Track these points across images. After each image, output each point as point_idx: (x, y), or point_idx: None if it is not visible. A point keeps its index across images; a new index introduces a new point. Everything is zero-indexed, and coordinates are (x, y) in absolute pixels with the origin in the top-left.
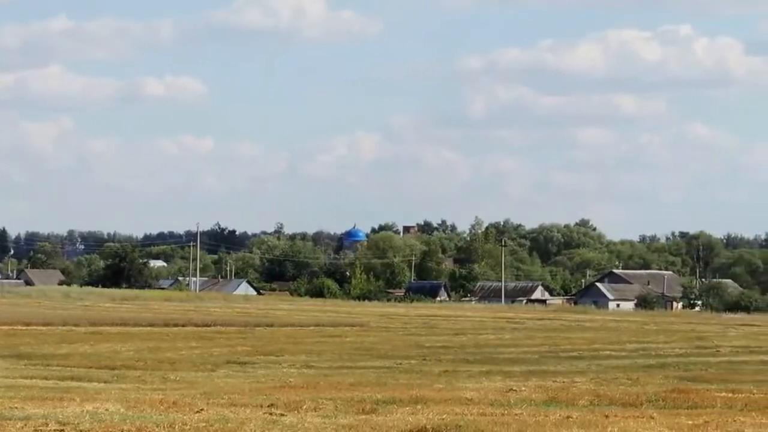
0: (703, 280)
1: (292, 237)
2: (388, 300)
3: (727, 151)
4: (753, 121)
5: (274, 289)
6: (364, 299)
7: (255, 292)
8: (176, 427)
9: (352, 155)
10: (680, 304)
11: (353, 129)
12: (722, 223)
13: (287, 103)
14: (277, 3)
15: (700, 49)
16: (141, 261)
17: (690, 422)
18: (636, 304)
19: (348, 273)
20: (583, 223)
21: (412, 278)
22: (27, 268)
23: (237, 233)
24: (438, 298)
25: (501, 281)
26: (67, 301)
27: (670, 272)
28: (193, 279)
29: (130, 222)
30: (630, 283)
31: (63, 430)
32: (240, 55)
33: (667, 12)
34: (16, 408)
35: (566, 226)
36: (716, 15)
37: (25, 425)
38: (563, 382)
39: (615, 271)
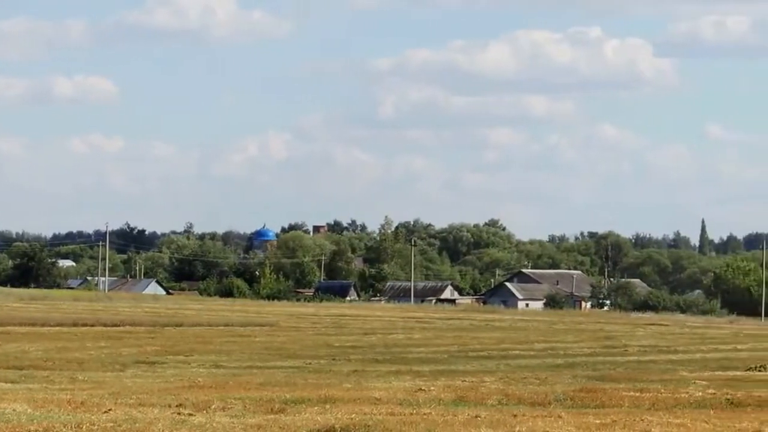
0: (612, 279)
1: (202, 237)
2: (298, 300)
3: (636, 151)
4: (661, 122)
5: (183, 289)
6: (273, 299)
7: (164, 292)
8: (84, 427)
9: (262, 155)
10: (589, 304)
11: (264, 129)
12: (631, 223)
13: (198, 102)
14: (187, 3)
15: (610, 51)
16: (50, 260)
17: (598, 421)
18: (545, 304)
19: (258, 273)
20: (493, 223)
21: (322, 278)
22: None
23: (146, 233)
24: (348, 298)
25: (410, 281)
26: None
27: (579, 272)
28: (102, 279)
29: (39, 221)
30: (539, 282)
31: None
32: (151, 54)
33: (577, 14)
34: None
35: (476, 226)
36: (626, 17)
37: None
38: (472, 381)
39: (524, 270)
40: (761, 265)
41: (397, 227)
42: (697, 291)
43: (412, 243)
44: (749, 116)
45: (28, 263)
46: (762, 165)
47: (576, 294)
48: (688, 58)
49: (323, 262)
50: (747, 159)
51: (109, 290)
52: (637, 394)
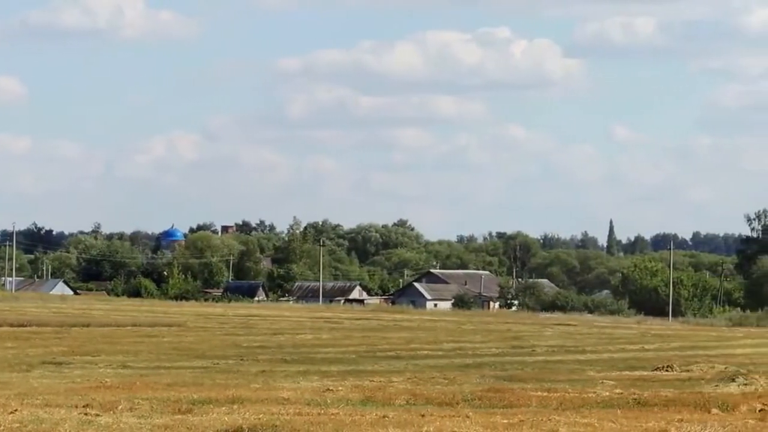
0: (520, 279)
1: (110, 237)
2: (206, 300)
3: (544, 152)
4: (569, 123)
5: (91, 289)
6: (181, 299)
7: (72, 292)
8: None
9: (170, 155)
10: (497, 304)
11: (172, 129)
12: (539, 223)
13: (106, 102)
14: (95, 3)
15: (518, 52)
16: None
17: (505, 421)
18: (453, 304)
19: (166, 273)
20: (401, 224)
21: (230, 278)
22: None
23: (54, 233)
24: (256, 298)
25: (319, 281)
26: None
27: (487, 272)
28: (9, 279)
29: None
30: (447, 283)
31: None
32: (58, 54)
33: (485, 14)
34: None
35: (384, 227)
36: (534, 18)
37: None
38: (380, 381)
39: (433, 271)
40: (668, 266)
41: (305, 228)
42: (605, 291)
43: (321, 243)
44: (657, 117)
45: None
46: (669, 166)
47: (484, 294)
48: (596, 59)
49: (231, 263)
50: (654, 160)
51: (15, 290)
52: (545, 394)
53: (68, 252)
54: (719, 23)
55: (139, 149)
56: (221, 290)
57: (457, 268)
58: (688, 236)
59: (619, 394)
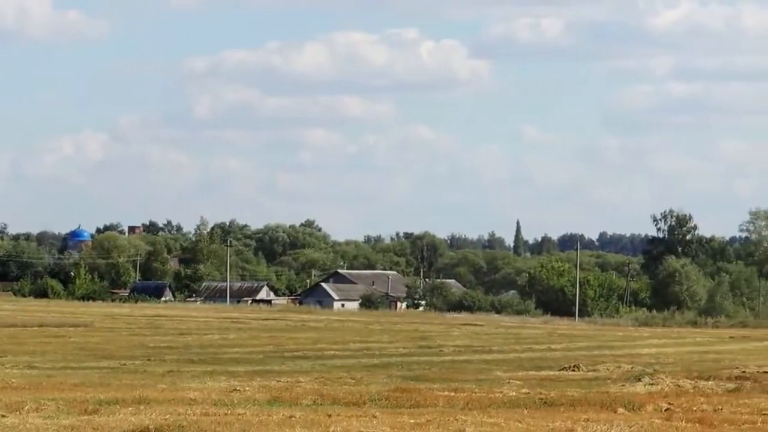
0: (427, 280)
1: (16, 237)
2: (113, 300)
3: (451, 152)
4: (477, 123)
5: None
6: (88, 299)
7: None
8: None
9: (77, 155)
10: (404, 304)
11: (79, 129)
12: (446, 223)
13: (12, 102)
14: (1, 3)
15: (425, 53)
16: None
17: (412, 421)
18: (360, 304)
19: (73, 273)
20: (309, 224)
21: (137, 278)
22: None
23: None
24: (163, 298)
25: (226, 281)
26: None
27: (395, 272)
28: None
29: None
30: (354, 283)
31: None
32: None
33: (392, 15)
34: None
35: (292, 227)
36: (441, 19)
37: None
38: (287, 381)
39: (340, 271)
40: (575, 266)
41: (212, 228)
42: (512, 291)
43: (228, 244)
44: (564, 118)
45: None
46: (576, 166)
47: (391, 294)
48: (503, 60)
49: (138, 263)
50: (561, 160)
51: None
52: (452, 394)
53: None
54: (625, 24)
55: (47, 149)
56: (128, 291)
57: (365, 269)
58: (594, 236)
59: (526, 394)
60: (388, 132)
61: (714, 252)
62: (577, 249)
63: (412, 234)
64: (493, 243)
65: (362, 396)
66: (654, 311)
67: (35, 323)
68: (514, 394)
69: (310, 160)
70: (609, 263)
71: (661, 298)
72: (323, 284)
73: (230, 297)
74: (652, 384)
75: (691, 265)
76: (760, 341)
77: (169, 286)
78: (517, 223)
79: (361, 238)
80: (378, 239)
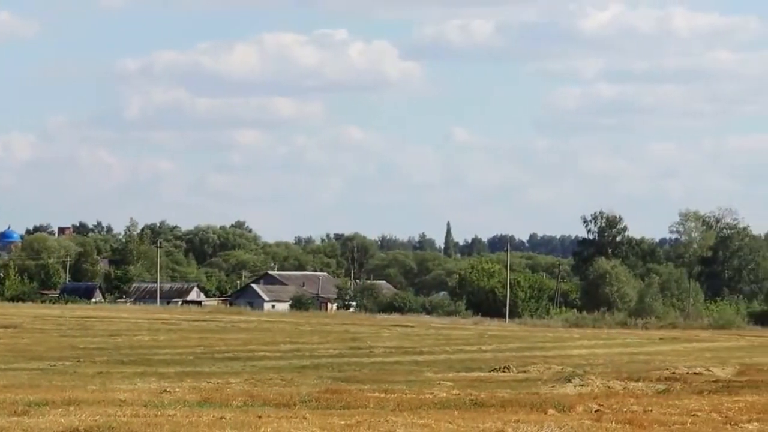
0: (358, 281)
1: None
2: (43, 301)
3: (382, 153)
4: (408, 124)
5: None
6: (17, 300)
7: None
8: None
9: (6, 156)
10: (335, 305)
11: (8, 129)
12: (377, 224)
13: None
14: None
15: (356, 53)
16: None
17: (343, 422)
18: (291, 305)
19: (2, 274)
20: (239, 225)
21: (67, 279)
22: None
23: None
24: (93, 300)
25: (156, 282)
26: None
27: (325, 273)
28: None
29: None
30: (285, 284)
31: None
32: None
33: (323, 16)
34: None
35: (222, 228)
36: (371, 20)
37: None
38: (217, 383)
39: (270, 272)
40: (505, 267)
41: (142, 229)
42: (443, 292)
43: (158, 245)
44: (495, 119)
45: None
46: (506, 168)
47: (322, 295)
48: (434, 61)
49: (68, 264)
50: (492, 162)
51: None
52: (382, 395)
53: None
54: (555, 26)
55: None
56: (58, 292)
57: (295, 270)
58: (525, 238)
59: (456, 395)
60: (318, 133)
61: (644, 253)
62: (507, 250)
63: (342, 235)
64: (423, 244)
65: (293, 397)
66: (584, 312)
67: None
68: (444, 395)
69: (240, 161)
70: (539, 264)
71: (592, 299)
72: (253, 285)
73: (160, 298)
74: (582, 385)
75: (621, 267)
76: (689, 342)
77: (100, 288)
78: (448, 224)
79: (291, 240)
80: (308, 240)
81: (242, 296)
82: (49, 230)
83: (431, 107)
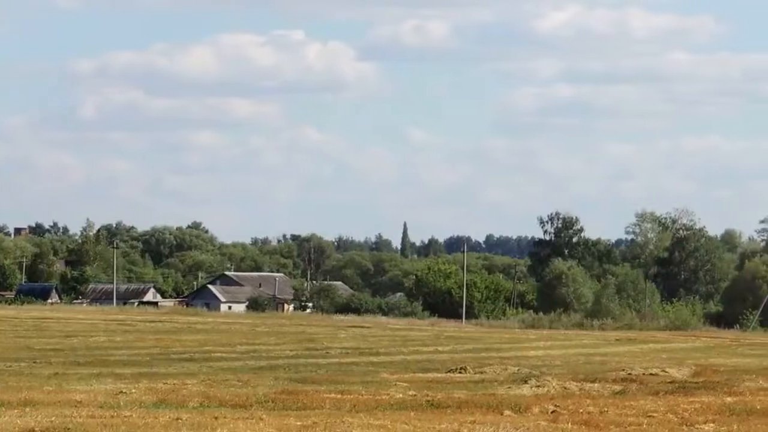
0: (314, 282)
1: None
2: None
3: (339, 154)
4: (364, 126)
5: None
6: None
7: None
8: None
9: None
10: (291, 306)
11: None
12: (333, 225)
13: None
14: None
15: (312, 55)
16: None
17: (299, 423)
18: (247, 306)
19: None
20: (196, 226)
21: (23, 280)
22: None
23: None
24: (49, 300)
25: (113, 283)
26: None
27: (282, 274)
28: None
29: None
30: (242, 285)
31: None
32: None
33: (279, 17)
34: None
35: (178, 229)
36: (327, 21)
37: None
38: (174, 383)
39: (227, 273)
40: (462, 268)
41: (99, 230)
42: (399, 293)
43: (114, 245)
44: (451, 120)
45: None
46: (463, 168)
47: (278, 296)
48: (390, 63)
49: (24, 265)
50: (448, 162)
51: None
52: (339, 396)
53: None
54: (512, 27)
55: None
56: (14, 293)
57: (252, 271)
58: (481, 239)
59: (413, 396)
60: (275, 134)
61: (600, 254)
62: (464, 251)
63: (299, 236)
64: (380, 245)
65: (249, 398)
66: (540, 313)
67: None
68: (400, 396)
69: (197, 162)
70: (496, 265)
71: (548, 300)
72: (210, 286)
73: (117, 299)
74: (538, 386)
75: (577, 268)
76: (645, 343)
77: (56, 288)
78: (404, 225)
79: (248, 240)
80: (265, 241)
81: (198, 297)
82: (5, 231)
83: (388, 108)
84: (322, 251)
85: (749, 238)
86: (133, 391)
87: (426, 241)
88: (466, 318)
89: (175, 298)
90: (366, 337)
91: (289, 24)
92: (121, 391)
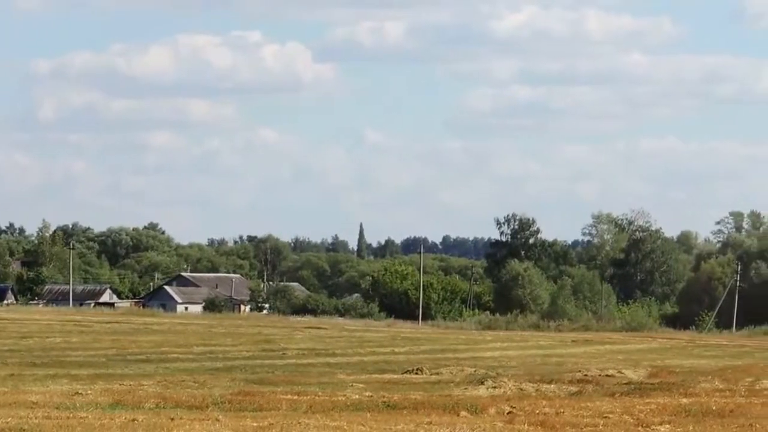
0: (271, 283)
1: None
2: None
3: (295, 155)
4: (321, 127)
5: None
6: None
7: None
8: None
9: None
10: (248, 307)
11: None
12: (290, 226)
13: None
14: None
15: (270, 56)
16: None
17: (255, 424)
18: (204, 307)
19: None
20: (152, 227)
21: None
22: None
23: None
24: (5, 302)
25: (69, 284)
26: None
27: (238, 275)
28: None
29: None
30: (198, 286)
31: None
32: None
33: (237, 18)
34: None
35: (135, 230)
36: (284, 22)
37: None
38: (130, 385)
39: (183, 274)
40: (418, 269)
41: (55, 231)
42: (356, 295)
43: (71, 246)
44: (408, 121)
45: None
46: (420, 170)
47: (235, 297)
48: (347, 64)
49: None
50: (405, 164)
51: None
52: (295, 397)
53: None
54: (469, 28)
55: None
56: None
57: (208, 272)
58: (438, 240)
59: (369, 397)
60: (232, 135)
61: (556, 256)
62: (420, 252)
63: (255, 237)
64: (336, 246)
65: (205, 399)
66: (497, 315)
67: None
68: (357, 397)
69: (154, 163)
70: (452, 267)
71: (504, 301)
72: (166, 287)
73: (73, 300)
74: (494, 387)
75: (533, 269)
76: (601, 344)
77: (12, 289)
78: (361, 226)
79: (204, 242)
80: (222, 242)
81: (155, 298)
82: None
83: (344, 109)
84: (278, 252)
85: (705, 240)
86: (89, 392)
87: (383, 243)
88: (422, 319)
89: (132, 299)
90: (322, 338)
91: (246, 25)
92: (77, 392)
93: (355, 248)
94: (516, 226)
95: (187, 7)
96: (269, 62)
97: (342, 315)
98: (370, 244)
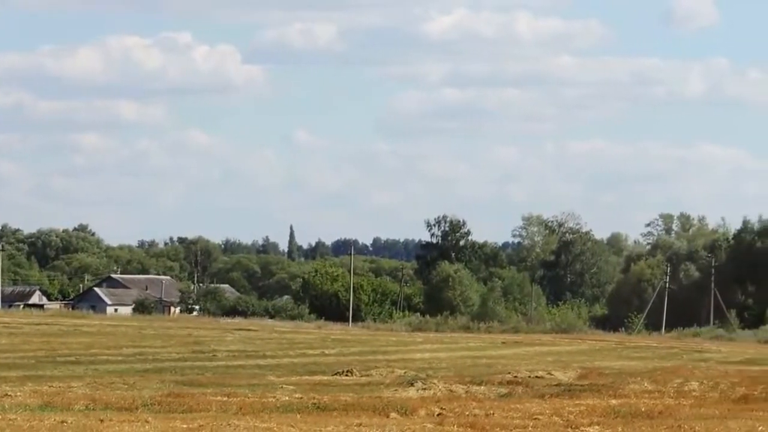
0: (201, 285)
1: None
2: None
3: (226, 157)
4: (251, 128)
5: None
6: None
7: None
8: None
9: None
10: (178, 309)
11: None
12: (220, 228)
13: None
14: None
15: (200, 57)
16: None
17: (185, 426)
18: (134, 309)
19: None
20: (82, 228)
21: None
22: None
23: None
24: None
25: None
26: None
27: (169, 277)
28: None
29: None
30: (128, 288)
31: None
32: None
33: (167, 19)
34: None
35: (65, 231)
36: (214, 23)
37: None
38: (59, 386)
39: (113, 276)
40: (349, 271)
41: None
42: (286, 296)
43: (0, 248)
44: (337, 123)
45: None
46: (349, 171)
47: (165, 299)
48: (277, 65)
49: None
50: (335, 165)
51: None
52: (225, 399)
53: None
54: (399, 30)
55: None
56: None
57: (138, 273)
58: (368, 242)
59: (299, 399)
60: (162, 136)
61: (487, 257)
62: (350, 254)
63: (186, 239)
64: (267, 248)
65: (135, 401)
66: (427, 316)
67: None
68: (287, 398)
69: (83, 164)
70: (383, 268)
71: (435, 303)
72: (96, 289)
73: (2, 301)
74: (424, 389)
75: (464, 271)
76: (531, 346)
77: None
78: (291, 228)
79: (134, 243)
80: (152, 244)
81: (85, 300)
82: None
83: (274, 111)
84: (208, 254)
85: (635, 242)
86: (19, 394)
87: (313, 244)
88: (352, 321)
89: (61, 300)
90: (253, 340)
91: (176, 26)
92: (6, 394)
93: (286, 250)
94: (446, 228)
95: (117, 8)
96: (199, 63)
97: (272, 317)
98: (301, 246)
